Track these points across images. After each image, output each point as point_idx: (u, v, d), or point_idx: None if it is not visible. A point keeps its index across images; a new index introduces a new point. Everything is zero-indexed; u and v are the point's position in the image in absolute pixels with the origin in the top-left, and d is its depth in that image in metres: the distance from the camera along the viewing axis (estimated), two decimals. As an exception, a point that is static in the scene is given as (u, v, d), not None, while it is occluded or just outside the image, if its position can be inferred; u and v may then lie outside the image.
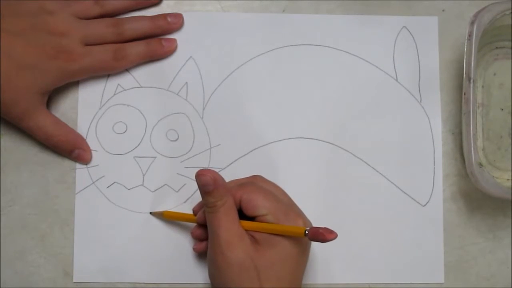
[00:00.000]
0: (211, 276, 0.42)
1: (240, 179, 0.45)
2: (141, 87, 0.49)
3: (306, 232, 0.39)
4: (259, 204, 0.41)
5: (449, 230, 0.49)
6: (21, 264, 0.48)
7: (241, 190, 0.42)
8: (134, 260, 0.48)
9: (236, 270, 0.40)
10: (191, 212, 0.47)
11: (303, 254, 0.42)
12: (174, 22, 0.49)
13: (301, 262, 0.42)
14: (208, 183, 0.41)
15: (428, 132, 0.50)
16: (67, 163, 0.48)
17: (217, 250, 0.40)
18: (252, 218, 0.42)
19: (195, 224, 0.46)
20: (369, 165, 0.49)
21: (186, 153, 0.49)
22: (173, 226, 0.48)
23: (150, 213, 0.48)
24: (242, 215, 0.42)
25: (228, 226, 0.41)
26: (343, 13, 0.50)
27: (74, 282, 0.48)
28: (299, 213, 0.42)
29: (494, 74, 0.50)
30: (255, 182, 0.44)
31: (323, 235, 0.37)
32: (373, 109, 0.50)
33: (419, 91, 0.50)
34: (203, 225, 0.44)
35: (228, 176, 0.48)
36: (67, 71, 0.46)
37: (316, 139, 0.49)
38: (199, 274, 0.48)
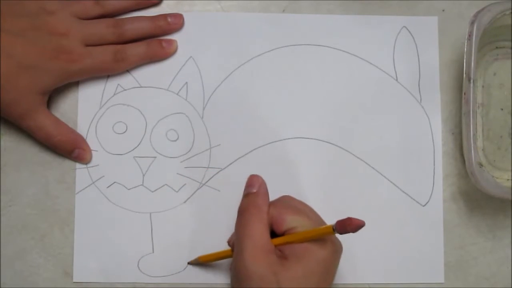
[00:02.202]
0: (232, 286, 0.42)
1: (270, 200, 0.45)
2: (141, 87, 0.49)
3: (334, 228, 0.37)
4: (288, 218, 0.41)
5: (449, 230, 0.49)
6: (21, 264, 0.48)
7: (271, 207, 0.42)
8: (134, 260, 0.48)
9: (256, 282, 0.39)
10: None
11: (331, 265, 0.41)
12: (175, 23, 0.49)
13: (327, 278, 0.41)
14: (253, 184, 0.41)
15: (428, 132, 0.50)
16: (67, 163, 0.48)
17: (240, 260, 0.39)
18: (282, 235, 0.41)
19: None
20: (369, 165, 0.49)
21: (186, 153, 0.49)
22: (173, 226, 0.48)
23: (188, 263, 0.48)
24: (273, 235, 0.41)
25: (255, 237, 0.40)
26: (343, 13, 0.50)
27: (74, 282, 0.48)
28: None
29: (494, 74, 0.50)
30: (284, 200, 0.43)
31: (351, 221, 0.36)
32: (373, 109, 0.50)
33: (419, 91, 0.50)
34: None
35: (228, 176, 0.49)
36: (67, 72, 0.46)
37: (316, 139, 0.49)
38: (199, 274, 0.48)
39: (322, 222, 0.42)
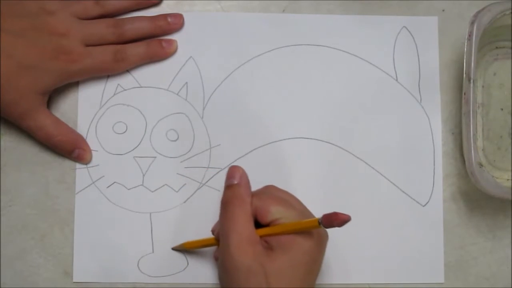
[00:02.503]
0: (220, 278, 0.42)
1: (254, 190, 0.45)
2: (141, 87, 0.49)
3: (320, 221, 0.37)
4: (272, 209, 0.41)
5: (449, 230, 0.49)
6: (21, 264, 0.48)
7: (254, 198, 0.42)
8: (134, 260, 0.48)
9: (243, 274, 0.39)
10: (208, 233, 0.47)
11: (317, 255, 0.41)
12: (175, 23, 0.49)
13: (314, 268, 0.41)
14: (234, 176, 0.41)
15: (428, 132, 0.50)
16: (67, 163, 0.48)
17: (227, 253, 0.40)
18: (267, 226, 0.41)
19: (216, 247, 0.45)
20: (369, 165, 0.49)
21: (186, 153, 0.49)
22: (173, 226, 0.48)
23: (172, 248, 0.48)
24: (258, 224, 0.41)
25: (239, 229, 0.40)
26: (343, 13, 0.50)
27: (74, 282, 0.48)
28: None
29: (494, 74, 0.50)
30: (268, 191, 0.44)
31: (337, 216, 0.36)
32: (373, 109, 0.50)
33: (419, 91, 0.50)
34: None
35: (228, 176, 0.49)
36: (67, 72, 0.46)
37: (316, 139, 0.49)
38: (199, 274, 0.48)
39: (307, 212, 0.42)
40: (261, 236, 0.41)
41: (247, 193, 0.42)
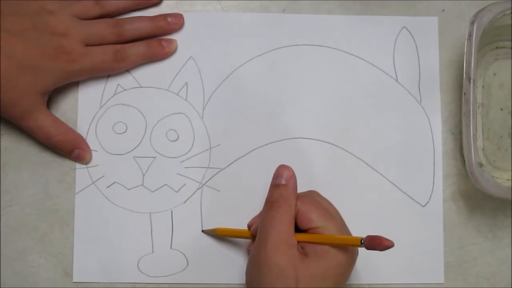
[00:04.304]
0: (248, 272, 0.42)
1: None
2: (141, 87, 0.49)
3: (362, 240, 0.38)
4: (314, 217, 0.41)
5: (449, 230, 0.49)
6: (21, 264, 0.48)
7: (298, 201, 0.42)
8: (134, 260, 0.48)
9: (275, 274, 0.39)
10: (244, 227, 0.47)
11: (348, 269, 0.41)
12: (174, 23, 0.49)
13: (342, 280, 0.41)
14: (282, 175, 0.42)
15: (428, 132, 0.50)
16: (67, 163, 0.48)
17: (262, 249, 0.40)
18: (304, 231, 0.41)
19: (249, 241, 0.46)
20: (369, 165, 0.49)
21: (186, 153, 0.49)
22: (173, 226, 0.48)
23: (202, 231, 0.48)
24: (296, 228, 0.41)
25: (280, 229, 0.40)
26: (343, 13, 0.50)
27: (74, 282, 0.48)
28: (349, 233, 0.42)
29: (494, 74, 0.50)
30: (312, 196, 0.43)
31: (381, 241, 0.37)
32: (373, 109, 0.50)
33: (419, 91, 0.50)
34: None
35: (228, 176, 0.49)
36: (67, 72, 0.46)
37: (316, 139, 0.49)
38: (199, 274, 0.48)
39: (344, 226, 0.42)
40: (298, 241, 0.41)
41: (294, 195, 0.42)
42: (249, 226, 0.46)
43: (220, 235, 0.47)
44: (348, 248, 0.40)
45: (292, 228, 0.41)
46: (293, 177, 0.43)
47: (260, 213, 0.43)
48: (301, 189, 0.48)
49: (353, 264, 0.42)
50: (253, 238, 0.44)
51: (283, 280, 0.39)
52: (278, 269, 0.39)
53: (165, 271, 0.48)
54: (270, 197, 0.42)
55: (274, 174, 0.43)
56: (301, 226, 0.41)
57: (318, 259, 0.40)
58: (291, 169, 0.43)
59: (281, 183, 0.42)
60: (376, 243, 0.37)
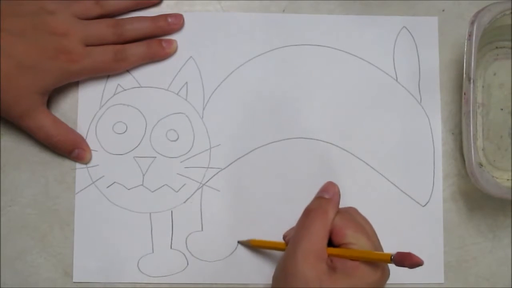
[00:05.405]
0: (275, 280, 0.41)
1: None
2: (141, 87, 0.49)
3: (392, 257, 0.37)
4: (348, 233, 0.40)
5: (449, 230, 0.49)
6: (21, 264, 0.48)
7: (336, 216, 0.41)
8: (134, 260, 0.48)
9: (300, 284, 0.38)
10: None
11: None
12: (175, 23, 0.49)
13: None
14: (328, 191, 0.42)
15: (428, 132, 0.50)
16: (67, 163, 0.48)
17: (292, 257, 0.39)
18: (337, 247, 0.41)
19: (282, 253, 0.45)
20: (368, 165, 0.49)
21: (186, 153, 0.49)
22: (173, 226, 0.48)
23: (238, 242, 0.48)
24: (329, 243, 0.41)
25: (313, 240, 0.40)
26: (343, 13, 0.50)
27: (74, 282, 0.48)
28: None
29: (494, 74, 0.50)
30: (349, 212, 0.43)
31: (411, 258, 0.36)
32: (373, 109, 0.50)
33: (419, 91, 0.50)
34: None
35: (228, 176, 0.49)
36: (67, 72, 0.46)
37: (316, 139, 0.49)
38: (199, 274, 0.48)
39: (379, 245, 0.42)
40: (329, 255, 0.40)
41: (334, 210, 0.41)
42: (284, 237, 0.45)
43: (255, 247, 0.47)
44: (378, 267, 0.39)
45: (325, 241, 0.40)
46: (337, 194, 0.42)
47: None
48: (300, 189, 0.48)
49: (382, 286, 0.41)
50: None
51: None
52: (303, 280, 0.38)
53: (165, 271, 0.48)
54: (310, 206, 0.42)
55: (320, 188, 0.43)
56: (334, 241, 0.41)
57: (346, 275, 0.39)
58: (337, 187, 0.43)
59: (324, 196, 0.42)
60: (406, 260, 0.36)
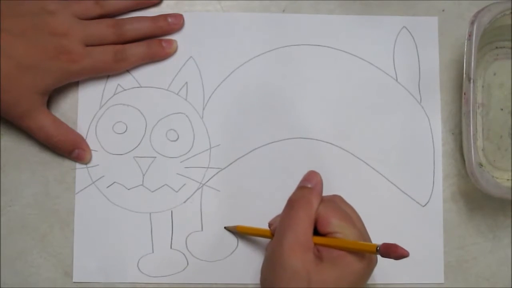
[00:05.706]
0: (263, 272, 0.42)
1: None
2: (141, 87, 0.49)
3: (378, 248, 0.37)
4: (333, 222, 0.40)
5: (449, 230, 0.49)
6: (21, 264, 0.48)
7: (320, 205, 0.42)
8: (134, 260, 0.48)
9: (288, 275, 0.39)
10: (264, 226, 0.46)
11: (363, 278, 0.41)
12: (175, 23, 0.49)
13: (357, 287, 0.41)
14: (310, 180, 0.42)
15: (428, 132, 0.50)
16: (67, 163, 0.48)
17: (278, 249, 0.40)
18: (324, 236, 0.41)
19: (269, 240, 0.45)
20: (369, 165, 0.49)
21: (186, 153, 0.49)
22: (173, 226, 0.48)
23: (225, 227, 0.48)
24: (314, 231, 0.41)
25: (298, 231, 0.40)
26: (343, 13, 0.50)
27: (74, 282, 0.48)
28: (370, 242, 0.42)
29: (494, 74, 0.50)
30: (334, 201, 0.43)
31: (396, 249, 0.36)
32: (373, 109, 0.50)
33: (419, 91, 0.50)
34: None
35: (228, 176, 0.49)
36: (67, 72, 0.46)
37: (316, 139, 0.49)
38: (199, 274, 0.48)
39: (365, 233, 0.42)
40: (315, 244, 0.40)
41: (317, 200, 0.42)
42: (269, 225, 0.46)
43: (240, 233, 0.47)
44: (365, 256, 0.40)
45: (311, 231, 0.40)
46: (320, 183, 0.42)
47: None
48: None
49: (369, 274, 0.41)
50: (273, 238, 0.43)
51: (295, 282, 0.39)
52: (291, 270, 0.39)
53: (165, 271, 0.48)
54: (293, 197, 0.42)
55: (302, 178, 0.43)
56: (320, 230, 0.41)
57: (332, 264, 0.39)
58: (320, 175, 0.43)
59: (307, 186, 0.42)
60: (391, 251, 0.36)
